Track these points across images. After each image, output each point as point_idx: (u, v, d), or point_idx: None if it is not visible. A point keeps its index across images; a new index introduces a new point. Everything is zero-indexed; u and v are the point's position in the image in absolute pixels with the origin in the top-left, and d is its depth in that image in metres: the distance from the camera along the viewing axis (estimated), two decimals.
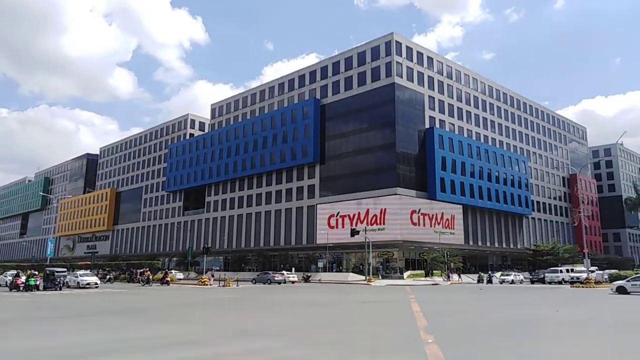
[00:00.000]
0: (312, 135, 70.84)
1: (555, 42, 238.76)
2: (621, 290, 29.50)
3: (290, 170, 74.90)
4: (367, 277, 50.72)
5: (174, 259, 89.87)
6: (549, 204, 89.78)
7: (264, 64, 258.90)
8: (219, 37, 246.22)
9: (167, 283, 45.48)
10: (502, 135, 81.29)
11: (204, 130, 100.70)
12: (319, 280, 54.08)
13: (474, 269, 66.98)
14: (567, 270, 49.50)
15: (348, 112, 68.22)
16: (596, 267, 53.79)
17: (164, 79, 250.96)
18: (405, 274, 57.38)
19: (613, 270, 51.81)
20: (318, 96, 73.03)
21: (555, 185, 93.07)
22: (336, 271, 63.35)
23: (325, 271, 59.94)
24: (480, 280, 51.35)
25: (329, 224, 65.57)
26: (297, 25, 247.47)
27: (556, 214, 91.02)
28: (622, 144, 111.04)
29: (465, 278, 57.10)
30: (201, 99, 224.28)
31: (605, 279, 45.83)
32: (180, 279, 56.26)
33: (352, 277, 55.40)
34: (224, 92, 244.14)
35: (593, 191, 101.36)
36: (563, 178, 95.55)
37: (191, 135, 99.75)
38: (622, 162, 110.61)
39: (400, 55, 65.03)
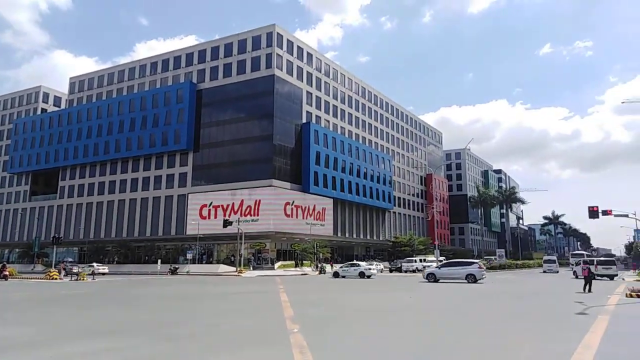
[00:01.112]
0: (186, 121, 67.62)
1: (422, 52, 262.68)
2: (336, 275, 38.84)
3: (161, 157, 70.63)
4: (238, 268, 50.20)
5: (17, 250, 78.75)
6: (408, 200, 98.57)
7: (136, 40, 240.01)
8: (85, 4, 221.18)
9: (5, 277, 39.54)
10: (371, 134, 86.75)
11: (60, 106, 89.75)
12: (187, 272, 51.99)
13: (340, 259, 70.55)
14: (421, 260, 54.96)
15: (226, 99, 66.53)
16: (444, 257, 60.53)
17: (12, 43, 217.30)
18: (276, 265, 58.12)
19: (457, 260, 58.78)
20: (195, 80, 69.91)
21: (414, 183, 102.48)
22: (206, 263, 61.59)
23: (194, 263, 57.84)
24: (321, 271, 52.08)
25: (200, 214, 63.40)
26: (177, 3, 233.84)
27: (414, 209, 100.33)
28: (469, 150, 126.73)
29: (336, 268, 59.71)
30: (59, 71, 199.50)
31: None
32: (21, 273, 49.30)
33: (223, 268, 54.35)
34: (88, 66, 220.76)
35: (445, 190, 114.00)
36: (421, 177, 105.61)
37: (44, 110, 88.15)
38: (468, 165, 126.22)
39: (281, 48, 65.32)
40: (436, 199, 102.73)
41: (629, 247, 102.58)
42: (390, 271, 55.93)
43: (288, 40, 67.30)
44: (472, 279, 30.93)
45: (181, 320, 13.49)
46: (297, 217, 63.16)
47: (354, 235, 78.42)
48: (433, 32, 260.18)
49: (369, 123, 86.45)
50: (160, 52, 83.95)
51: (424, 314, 14.76)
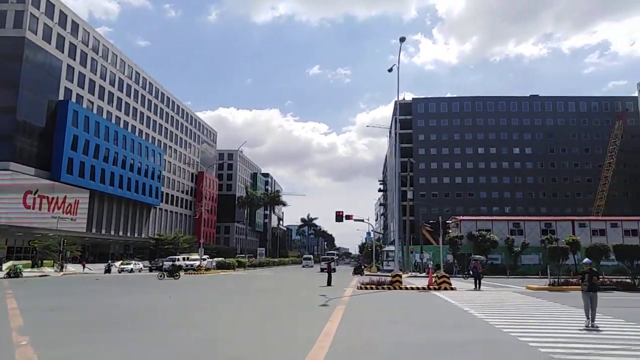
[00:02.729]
0: None
1: (205, 49, 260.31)
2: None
3: None
4: None
5: None
6: (177, 197, 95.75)
7: None
8: None
9: None
10: (142, 124, 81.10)
11: None
12: None
13: (93, 258, 63.34)
14: (184, 259, 53.98)
15: None
16: (208, 256, 60.85)
17: None
18: (5, 265, 48.03)
19: (220, 258, 60.03)
20: None
21: (185, 180, 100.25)
22: None
23: None
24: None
25: None
26: None
27: (182, 207, 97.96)
28: (242, 152, 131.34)
29: (91, 267, 52.99)
30: None
31: (214, 265, 52.59)
32: None
33: None
34: None
35: (215, 189, 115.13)
36: (192, 174, 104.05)
37: None
38: (240, 166, 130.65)
39: (38, 8, 55.09)
40: (206, 197, 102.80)
41: (362, 247, 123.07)
42: (150, 270, 53.07)
43: (48, 0, 57.20)
44: None
45: None
46: (40, 209, 53.91)
47: (112, 232, 71.52)
48: (218, 32, 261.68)
49: (141, 112, 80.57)
50: None
51: (181, 314, 14.37)
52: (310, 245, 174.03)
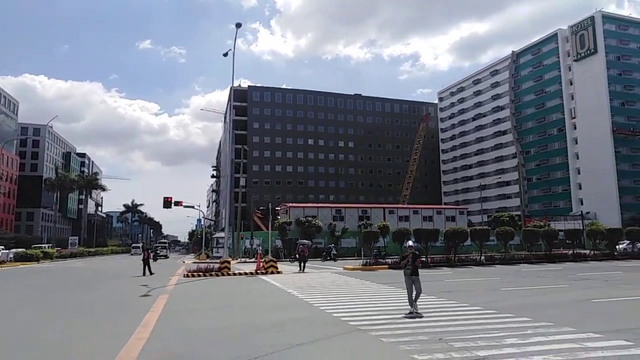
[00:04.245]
0: None
1: (9, 4, 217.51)
2: None
3: None
4: None
5: None
6: None
7: None
8: None
9: None
10: None
11: None
12: None
13: None
14: None
15: None
16: (3, 247, 51.75)
17: None
18: None
19: (20, 249, 51.59)
20: None
21: None
22: None
23: None
24: None
25: None
26: None
27: None
28: (51, 127, 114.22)
29: None
30: None
31: (10, 257, 45.13)
32: None
33: None
34: None
35: (14, 168, 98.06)
36: None
37: None
38: (49, 144, 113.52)
39: None
40: (2, 178, 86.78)
41: (192, 234, 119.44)
42: None
43: None
44: None
45: None
46: None
47: None
48: None
49: None
50: None
51: None
52: (135, 233, 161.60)
